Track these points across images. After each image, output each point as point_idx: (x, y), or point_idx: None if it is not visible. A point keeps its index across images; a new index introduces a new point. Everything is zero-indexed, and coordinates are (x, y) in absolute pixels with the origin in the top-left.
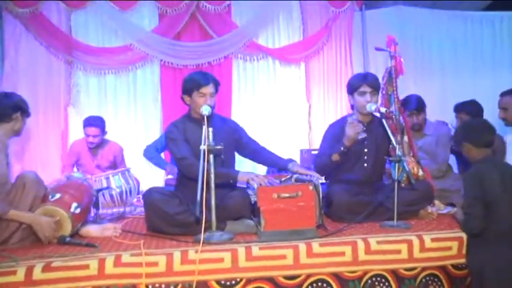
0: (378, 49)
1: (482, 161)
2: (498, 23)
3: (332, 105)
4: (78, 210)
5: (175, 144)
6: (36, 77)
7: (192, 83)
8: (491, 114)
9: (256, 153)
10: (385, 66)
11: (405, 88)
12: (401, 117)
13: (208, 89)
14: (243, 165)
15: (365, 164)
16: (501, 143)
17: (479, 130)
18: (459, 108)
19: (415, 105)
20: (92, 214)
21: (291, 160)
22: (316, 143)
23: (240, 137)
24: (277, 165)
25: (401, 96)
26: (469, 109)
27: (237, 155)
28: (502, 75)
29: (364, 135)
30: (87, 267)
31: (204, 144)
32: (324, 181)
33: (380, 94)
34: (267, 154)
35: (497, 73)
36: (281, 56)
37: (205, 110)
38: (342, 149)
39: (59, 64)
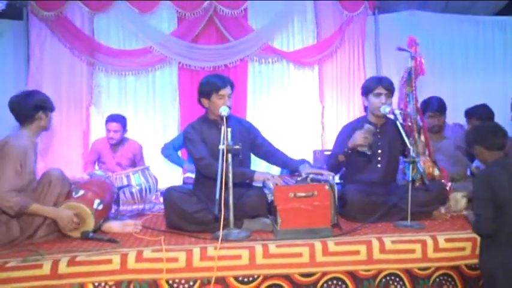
0: (399, 49)
1: (493, 164)
2: (510, 27)
3: (345, 107)
4: (100, 207)
5: (193, 144)
6: (60, 78)
7: (211, 86)
8: (502, 117)
9: (270, 154)
10: (397, 69)
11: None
12: (418, 117)
13: (227, 90)
14: (258, 165)
15: (378, 165)
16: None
17: (491, 133)
18: (470, 113)
19: (436, 106)
20: (113, 211)
21: (302, 161)
22: (329, 144)
23: (255, 137)
24: (289, 167)
25: (420, 98)
26: (479, 114)
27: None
28: None
29: (365, 149)
30: (110, 261)
31: (223, 144)
32: (338, 181)
33: (398, 94)
34: (280, 156)
35: (508, 77)
36: (295, 59)
37: (224, 111)
38: (346, 150)
39: (81, 65)
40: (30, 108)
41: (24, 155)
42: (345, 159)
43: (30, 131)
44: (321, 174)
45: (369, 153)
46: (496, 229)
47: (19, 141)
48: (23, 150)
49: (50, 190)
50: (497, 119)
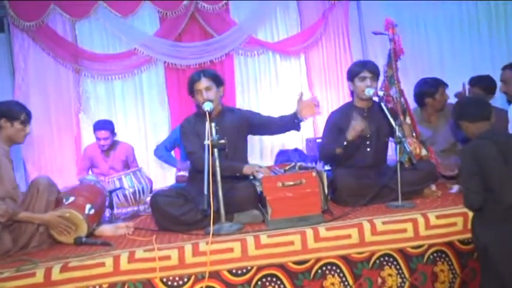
0: (375, 33)
1: (481, 136)
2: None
3: (334, 94)
4: (92, 211)
5: (186, 138)
6: (47, 87)
7: (189, 82)
8: None
9: (268, 127)
10: (383, 52)
11: (403, 71)
12: (402, 99)
13: (201, 84)
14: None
15: (368, 149)
16: (504, 116)
17: (471, 105)
18: (474, 82)
19: (485, 84)
20: (107, 214)
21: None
22: (321, 132)
23: (251, 122)
24: (287, 123)
25: (407, 79)
26: (483, 84)
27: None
28: (500, 51)
29: (366, 133)
30: (102, 265)
31: (208, 140)
32: (328, 168)
33: (382, 77)
34: (275, 122)
35: (495, 49)
36: (281, 49)
37: (207, 106)
38: (345, 143)
39: (67, 73)
40: None
41: None
42: (343, 151)
43: (0, 140)
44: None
45: (368, 135)
46: (487, 202)
47: None
48: None
49: (38, 198)
50: None
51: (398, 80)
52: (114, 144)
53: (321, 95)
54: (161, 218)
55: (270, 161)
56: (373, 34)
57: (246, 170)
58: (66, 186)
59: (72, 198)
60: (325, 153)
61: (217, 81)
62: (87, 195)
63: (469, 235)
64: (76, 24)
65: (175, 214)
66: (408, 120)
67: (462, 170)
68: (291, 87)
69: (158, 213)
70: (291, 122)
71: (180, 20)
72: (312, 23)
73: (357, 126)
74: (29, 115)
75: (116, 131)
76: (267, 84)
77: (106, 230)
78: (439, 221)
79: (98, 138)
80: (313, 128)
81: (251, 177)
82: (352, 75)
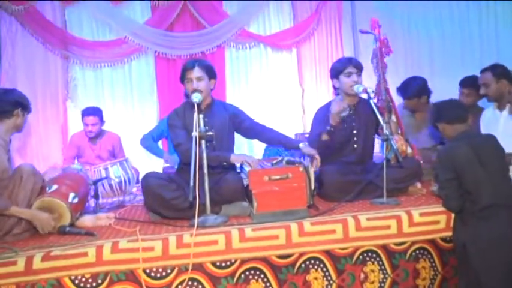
0: (362, 32)
1: (457, 139)
2: None
3: (324, 89)
4: (75, 200)
5: (173, 130)
6: (34, 73)
7: (182, 70)
8: None
9: (262, 134)
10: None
11: (395, 70)
12: (387, 97)
13: (193, 73)
14: (240, 149)
15: (355, 145)
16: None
17: (449, 107)
18: (465, 83)
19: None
20: (93, 204)
21: (300, 140)
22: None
23: (241, 121)
24: (286, 144)
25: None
26: (474, 83)
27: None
28: (489, 51)
29: (346, 113)
30: (85, 254)
31: (195, 131)
32: None
33: (375, 76)
34: (274, 135)
35: (485, 50)
36: (273, 43)
37: (196, 98)
38: (329, 128)
39: (55, 59)
40: (11, 103)
41: None
42: (328, 137)
43: (4, 128)
44: (313, 157)
45: (347, 113)
46: (464, 203)
47: None
48: None
49: (21, 185)
50: None
51: (385, 79)
52: (101, 133)
53: (311, 90)
54: (151, 199)
55: (258, 156)
56: (360, 33)
57: (234, 159)
58: (46, 171)
59: (55, 187)
60: (312, 146)
61: (210, 73)
62: (71, 183)
63: (451, 233)
64: (66, 9)
65: (166, 197)
66: (394, 118)
67: (439, 175)
68: (282, 80)
69: (149, 194)
70: (289, 146)
71: (172, 9)
72: (304, 18)
73: (335, 107)
74: None
75: (104, 119)
76: (257, 77)
77: (87, 220)
78: (422, 219)
79: (85, 124)
80: (302, 123)
81: (238, 169)
82: (337, 71)
